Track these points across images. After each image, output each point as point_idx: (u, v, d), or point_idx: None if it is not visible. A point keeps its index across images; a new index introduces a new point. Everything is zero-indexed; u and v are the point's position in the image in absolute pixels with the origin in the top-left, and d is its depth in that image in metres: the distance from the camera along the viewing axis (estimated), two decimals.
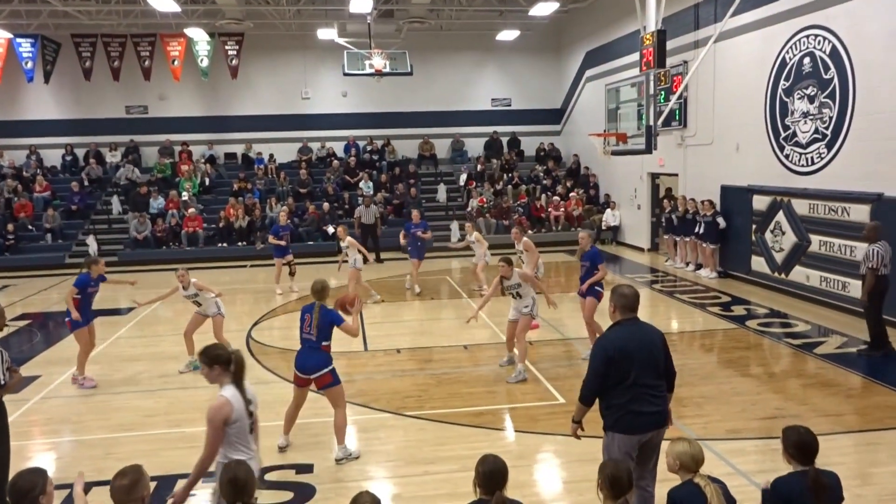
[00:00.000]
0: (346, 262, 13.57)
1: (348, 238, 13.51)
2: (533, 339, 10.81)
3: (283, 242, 15.14)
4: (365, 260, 14.07)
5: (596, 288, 9.55)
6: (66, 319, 9.09)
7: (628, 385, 4.57)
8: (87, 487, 6.14)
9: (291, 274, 15.34)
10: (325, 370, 6.56)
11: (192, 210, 20.92)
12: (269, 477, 6.19)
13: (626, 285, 4.96)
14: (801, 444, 3.92)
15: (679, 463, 3.89)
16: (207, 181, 23.15)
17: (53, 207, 21.25)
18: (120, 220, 21.70)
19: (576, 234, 21.16)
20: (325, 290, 6.72)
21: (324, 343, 6.57)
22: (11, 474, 3.76)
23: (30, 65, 21.62)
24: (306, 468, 6.49)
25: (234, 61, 22.80)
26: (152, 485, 4.07)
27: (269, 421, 7.72)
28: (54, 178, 23.14)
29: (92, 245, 20.11)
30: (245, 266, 19.16)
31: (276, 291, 15.08)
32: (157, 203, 21.52)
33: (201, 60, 22.37)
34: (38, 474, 3.61)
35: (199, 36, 21.81)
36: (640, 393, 4.58)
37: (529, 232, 20.89)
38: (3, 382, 5.53)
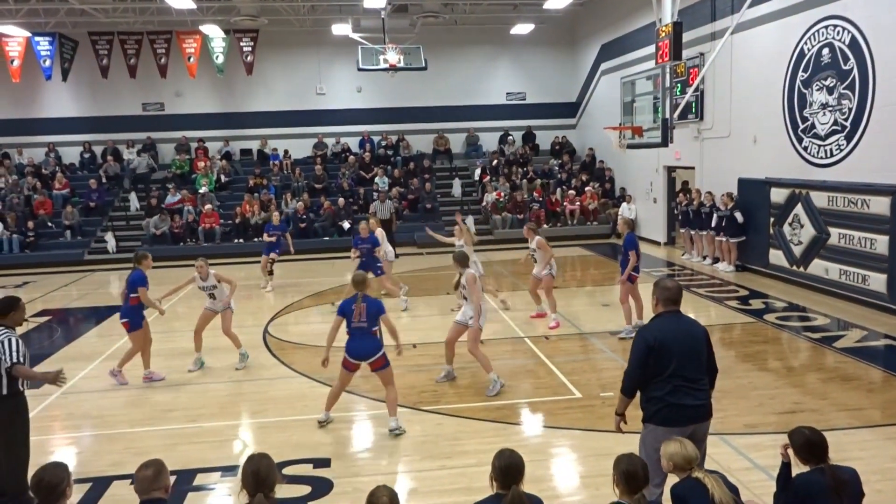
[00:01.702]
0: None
1: (378, 230, 13.83)
2: (550, 333, 10.81)
3: (272, 239, 15.54)
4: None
5: (631, 273, 10.17)
6: (125, 321, 8.83)
7: (667, 376, 4.55)
8: (108, 480, 6.24)
9: (270, 273, 15.59)
10: (379, 354, 7.04)
11: (208, 206, 21.06)
12: (286, 471, 6.22)
13: (669, 278, 4.97)
14: (808, 445, 3.96)
15: (672, 464, 3.93)
16: (223, 177, 23.27)
17: (72, 204, 21.48)
18: (138, 217, 21.88)
19: (591, 228, 21.34)
20: (367, 281, 7.19)
21: (373, 328, 7.02)
22: (33, 467, 3.83)
23: (48, 63, 21.81)
24: (323, 462, 6.52)
25: (248, 58, 22.88)
26: (171, 478, 4.12)
27: (287, 416, 7.80)
28: (73, 176, 23.38)
29: (110, 241, 20.34)
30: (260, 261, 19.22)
31: (261, 286, 15.37)
32: (173, 198, 21.66)
33: (216, 57, 22.48)
34: (62, 468, 3.78)
35: (214, 33, 21.91)
36: (680, 385, 4.56)
37: (545, 226, 20.87)
38: (19, 360, 5.57)
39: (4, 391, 5.60)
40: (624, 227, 10.68)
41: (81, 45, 22.68)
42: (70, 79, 22.77)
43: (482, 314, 8.28)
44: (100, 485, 6.19)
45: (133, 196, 22.44)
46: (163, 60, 22.61)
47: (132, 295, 8.69)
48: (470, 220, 21.51)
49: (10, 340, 5.64)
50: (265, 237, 15.83)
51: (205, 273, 9.29)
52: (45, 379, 5.78)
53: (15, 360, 5.56)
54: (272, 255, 15.60)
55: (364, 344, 7.01)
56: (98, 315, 13.43)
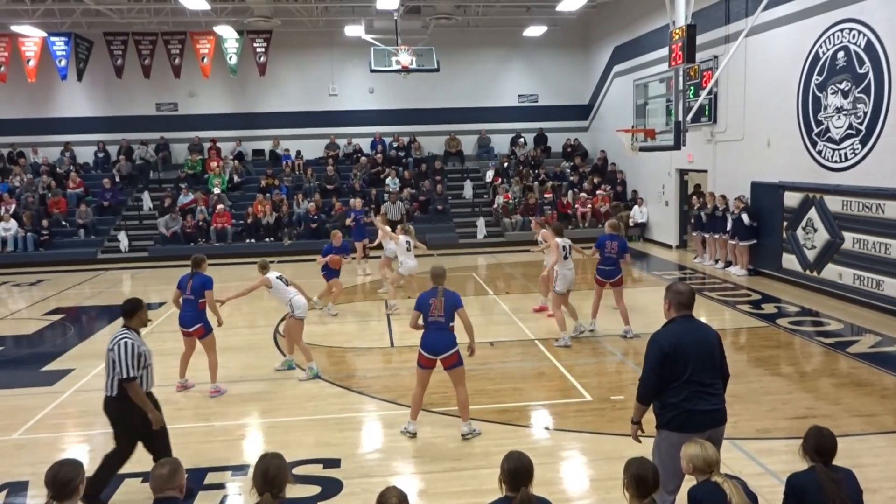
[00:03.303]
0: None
1: (385, 227, 14.13)
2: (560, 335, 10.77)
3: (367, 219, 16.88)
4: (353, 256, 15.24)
5: (595, 275, 10.85)
6: (198, 326, 8.44)
7: (683, 382, 4.52)
8: (119, 479, 6.28)
9: (364, 257, 16.80)
10: (454, 349, 6.86)
11: (220, 206, 21.17)
12: (296, 471, 6.23)
13: (681, 282, 4.94)
14: (817, 447, 4.03)
15: (692, 466, 3.92)
16: (236, 177, 23.38)
17: (86, 203, 21.66)
18: (150, 216, 22.02)
19: (602, 230, 21.20)
20: (445, 274, 7.08)
21: (450, 324, 6.87)
22: (48, 465, 3.89)
23: (63, 63, 22.01)
24: (333, 463, 6.54)
25: (262, 58, 22.98)
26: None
27: (297, 416, 7.82)
28: (87, 175, 23.56)
29: (123, 241, 20.47)
30: (272, 262, 19.29)
31: (360, 271, 16.63)
32: (186, 199, 21.80)
33: (230, 58, 22.60)
34: (77, 465, 3.89)
35: (227, 33, 22.04)
36: (696, 391, 4.52)
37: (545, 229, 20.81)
38: (132, 375, 5.57)
39: (114, 392, 5.62)
40: (608, 228, 10.91)
41: (96, 45, 22.87)
42: (85, 79, 22.97)
43: (558, 281, 10.17)
44: (112, 482, 6.22)
45: (146, 196, 22.59)
46: (177, 61, 22.76)
47: (201, 300, 8.37)
48: (481, 221, 21.52)
49: (126, 346, 5.57)
50: (348, 222, 16.91)
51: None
52: (147, 411, 5.66)
53: (126, 374, 5.53)
54: (365, 240, 16.60)
55: (440, 338, 6.82)
56: (111, 313, 13.50)
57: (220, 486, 6.20)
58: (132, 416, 5.68)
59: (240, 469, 6.49)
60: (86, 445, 7.25)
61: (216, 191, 22.22)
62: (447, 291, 6.92)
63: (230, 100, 24.88)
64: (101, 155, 24.36)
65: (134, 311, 5.85)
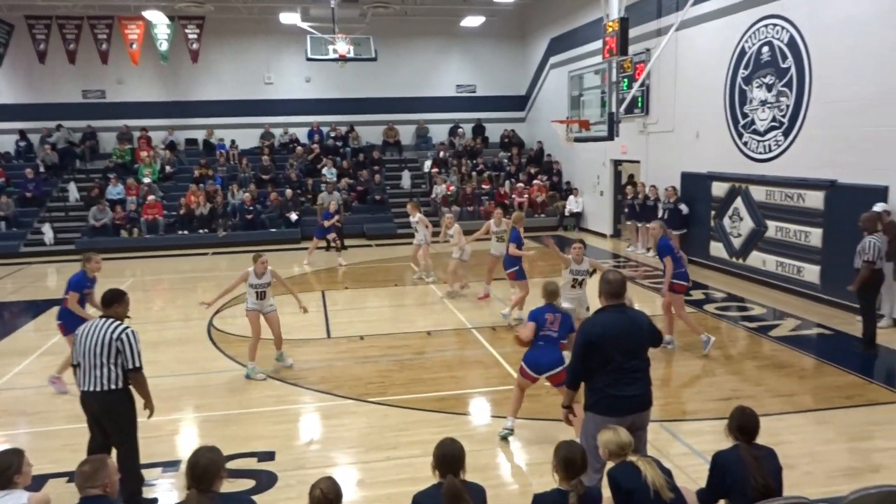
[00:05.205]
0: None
1: (419, 215, 14.30)
2: (498, 323, 10.88)
3: (331, 222, 17.10)
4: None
5: (672, 281, 9.05)
6: (59, 323, 8.25)
7: (610, 370, 4.70)
8: (44, 479, 6.07)
9: (339, 249, 17.34)
10: (561, 367, 6.44)
11: (151, 197, 20.57)
12: (230, 465, 6.13)
13: (612, 271, 5.09)
14: (739, 425, 4.32)
15: (608, 451, 4.10)
16: (168, 168, 22.74)
17: (7, 194, 20.67)
18: (77, 208, 21.23)
19: (539, 220, 21.49)
20: (558, 292, 6.95)
21: (562, 341, 6.54)
22: None
23: None
24: (268, 456, 6.47)
25: (194, 45, 22.37)
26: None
27: (231, 409, 7.70)
28: (7, 165, 22.50)
29: (48, 233, 19.68)
30: (206, 254, 18.91)
31: (304, 262, 16.78)
32: (116, 190, 21.11)
33: (160, 44, 21.90)
34: (15, 454, 3.91)
35: (158, 19, 21.34)
36: (621, 377, 4.71)
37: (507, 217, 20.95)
38: (141, 364, 5.45)
39: (120, 385, 5.42)
40: (659, 231, 9.58)
41: (17, 28, 21.83)
42: (5, 64, 21.89)
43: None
44: (35, 483, 6.00)
45: (72, 186, 21.76)
46: (104, 46, 21.93)
47: (66, 296, 8.09)
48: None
49: (135, 334, 5.45)
50: (323, 223, 17.10)
51: (264, 270, 8.62)
52: (147, 401, 5.59)
53: (136, 364, 5.41)
54: (331, 234, 17.27)
55: (545, 354, 6.50)
56: (35, 309, 13.00)
57: (151, 484, 6.06)
58: (134, 406, 5.59)
59: (172, 465, 6.36)
60: (7, 445, 6.95)
61: (146, 181, 21.57)
62: (560, 311, 6.75)
63: (161, 87, 24.12)
64: (22, 144, 23.30)
65: (112, 302, 5.61)
